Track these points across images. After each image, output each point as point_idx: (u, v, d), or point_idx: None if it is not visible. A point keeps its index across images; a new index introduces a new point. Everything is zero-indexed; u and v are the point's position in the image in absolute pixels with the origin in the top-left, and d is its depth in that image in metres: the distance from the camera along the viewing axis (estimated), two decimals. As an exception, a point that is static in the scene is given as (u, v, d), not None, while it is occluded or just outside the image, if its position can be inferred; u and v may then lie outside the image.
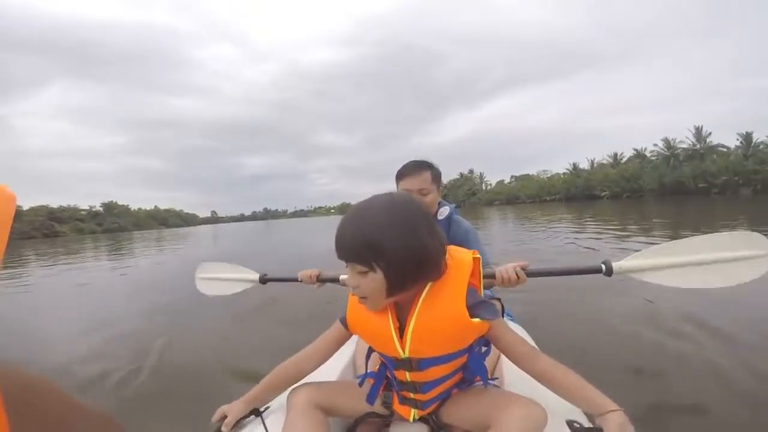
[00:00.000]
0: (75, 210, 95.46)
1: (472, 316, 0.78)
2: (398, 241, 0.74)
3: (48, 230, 76.60)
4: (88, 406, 0.41)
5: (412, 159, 1.60)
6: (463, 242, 1.55)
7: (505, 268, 1.28)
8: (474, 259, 0.85)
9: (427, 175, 1.54)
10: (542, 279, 1.34)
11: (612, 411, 0.75)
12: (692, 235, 1.22)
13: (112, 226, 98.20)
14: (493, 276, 1.29)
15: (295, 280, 2.01)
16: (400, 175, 1.58)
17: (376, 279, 0.77)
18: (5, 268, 11.07)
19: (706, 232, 1.22)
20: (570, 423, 0.84)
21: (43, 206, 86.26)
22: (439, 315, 0.80)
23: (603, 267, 1.30)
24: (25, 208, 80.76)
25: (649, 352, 2.29)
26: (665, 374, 2.01)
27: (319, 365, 1.00)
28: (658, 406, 1.73)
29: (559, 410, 0.85)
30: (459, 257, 0.85)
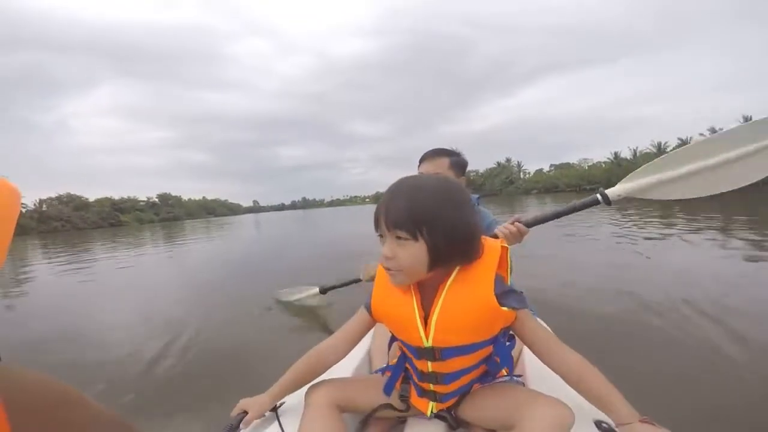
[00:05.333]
0: (135, 201, 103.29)
1: (500, 304, 0.75)
2: (448, 212, 0.73)
3: (113, 220, 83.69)
4: (112, 416, 0.42)
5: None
6: (486, 234, 1.61)
7: (504, 226, 1.33)
8: (502, 247, 0.82)
9: (443, 161, 1.54)
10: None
11: (637, 422, 0.68)
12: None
13: (167, 215, 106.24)
14: (495, 237, 1.30)
15: (354, 282, 2.28)
16: (421, 160, 1.61)
17: (417, 249, 0.74)
18: (74, 256, 11.39)
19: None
20: (598, 423, 0.78)
21: (107, 198, 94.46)
22: (466, 301, 0.77)
23: (599, 197, 1.24)
24: (91, 199, 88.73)
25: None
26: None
27: (344, 356, 0.96)
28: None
29: (587, 410, 0.79)
30: (489, 244, 0.82)
